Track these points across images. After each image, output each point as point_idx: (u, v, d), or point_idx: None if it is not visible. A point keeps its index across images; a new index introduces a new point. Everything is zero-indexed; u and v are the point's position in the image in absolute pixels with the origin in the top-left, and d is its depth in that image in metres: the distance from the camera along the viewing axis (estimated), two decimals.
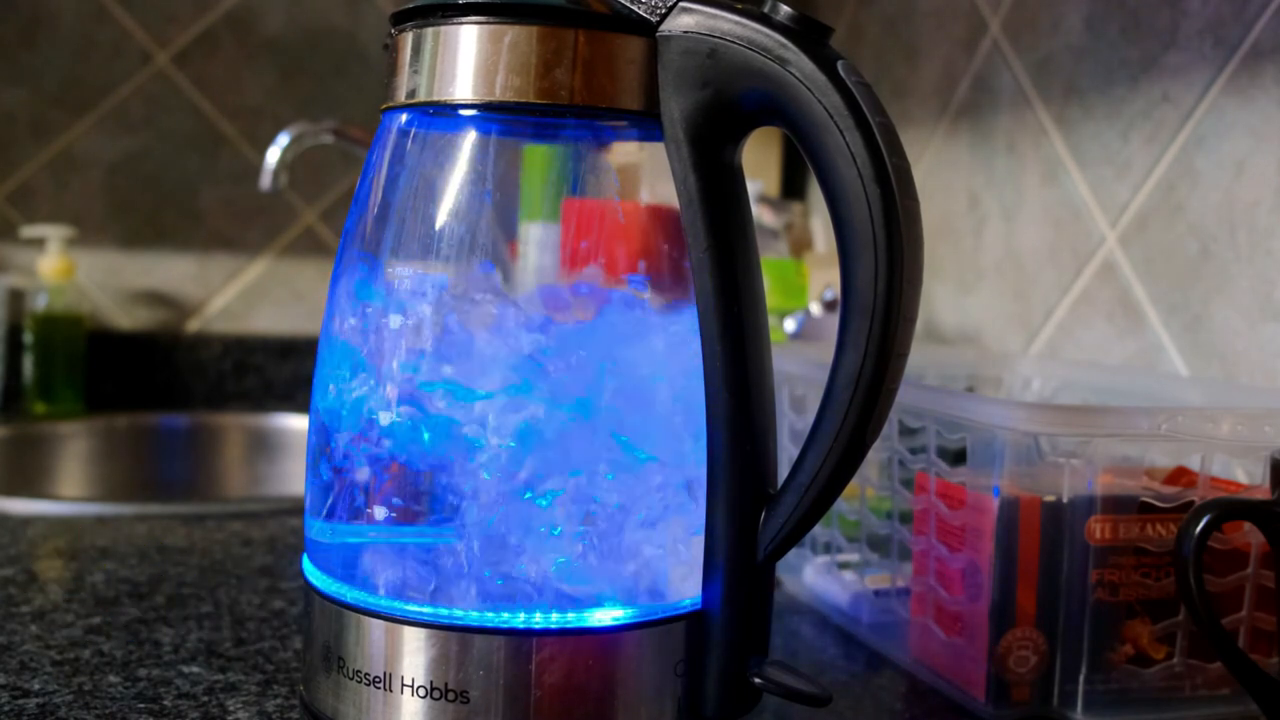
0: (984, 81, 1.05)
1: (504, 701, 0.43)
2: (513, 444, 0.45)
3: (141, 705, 0.52)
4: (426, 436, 0.45)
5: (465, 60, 0.44)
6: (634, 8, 0.44)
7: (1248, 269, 0.75)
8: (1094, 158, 0.90)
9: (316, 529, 0.49)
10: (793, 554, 0.73)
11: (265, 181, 1.18)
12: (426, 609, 0.44)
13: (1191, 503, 0.53)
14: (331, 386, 0.48)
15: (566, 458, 0.45)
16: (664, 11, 0.44)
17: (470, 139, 0.46)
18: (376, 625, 0.45)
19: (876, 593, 0.66)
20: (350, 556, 0.47)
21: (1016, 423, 0.53)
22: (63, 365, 1.29)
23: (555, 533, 0.45)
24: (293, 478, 1.30)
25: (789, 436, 0.73)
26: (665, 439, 0.47)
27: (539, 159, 0.48)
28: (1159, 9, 0.83)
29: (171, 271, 1.41)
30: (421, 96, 0.45)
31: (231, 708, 0.52)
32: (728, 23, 0.43)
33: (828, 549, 0.72)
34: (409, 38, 0.45)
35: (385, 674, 0.44)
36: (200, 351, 1.40)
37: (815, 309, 1.05)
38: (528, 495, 0.45)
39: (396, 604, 0.45)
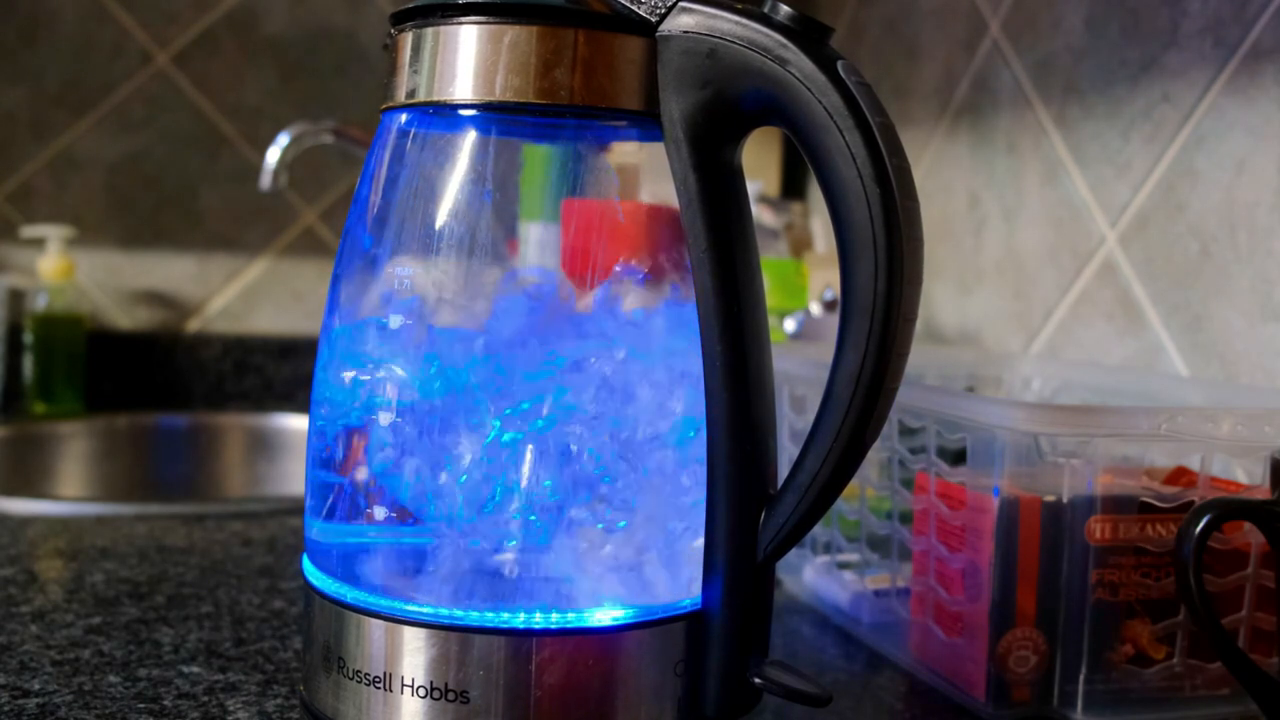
0: (984, 81, 1.05)
1: (504, 701, 0.43)
2: (515, 444, 0.45)
3: (141, 705, 0.52)
4: (427, 436, 0.45)
5: (465, 60, 0.44)
6: (634, 8, 0.44)
7: (1248, 269, 0.75)
8: (1094, 158, 0.90)
9: (316, 529, 0.49)
10: (793, 554, 0.73)
11: (265, 181, 1.18)
12: (426, 609, 0.44)
13: (1191, 503, 0.53)
14: (331, 386, 0.48)
15: (568, 457, 0.45)
16: (664, 11, 0.44)
17: (470, 139, 0.46)
18: (376, 625, 0.45)
19: (876, 593, 0.66)
20: (350, 556, 0.47)
21: (1016, 423, 0.53)
22: (63, 365, 1.29)
23: (556, 532, 0.45)
24: (293, 478, 1.30)
25: (789, 436, 0.73)
26: (668, 438, 0.47)
27: (539, 159, 0.48)
28: (1159, 9, 0.83)
29: (171, 271, 1.41)
30: (421, 96, 0.45)
31: (231, 708, 0.52)
32: (727, 23, 0.43)
33: (828, 549, 0.72)
34: (409, 38, 0.45)
35: (385, 674, 0.44)
36: (200, 351, 1.40)
37: (815, 309, 1.05)
38: (529, 495, 0.45)
39: (396, 604, 0.45)
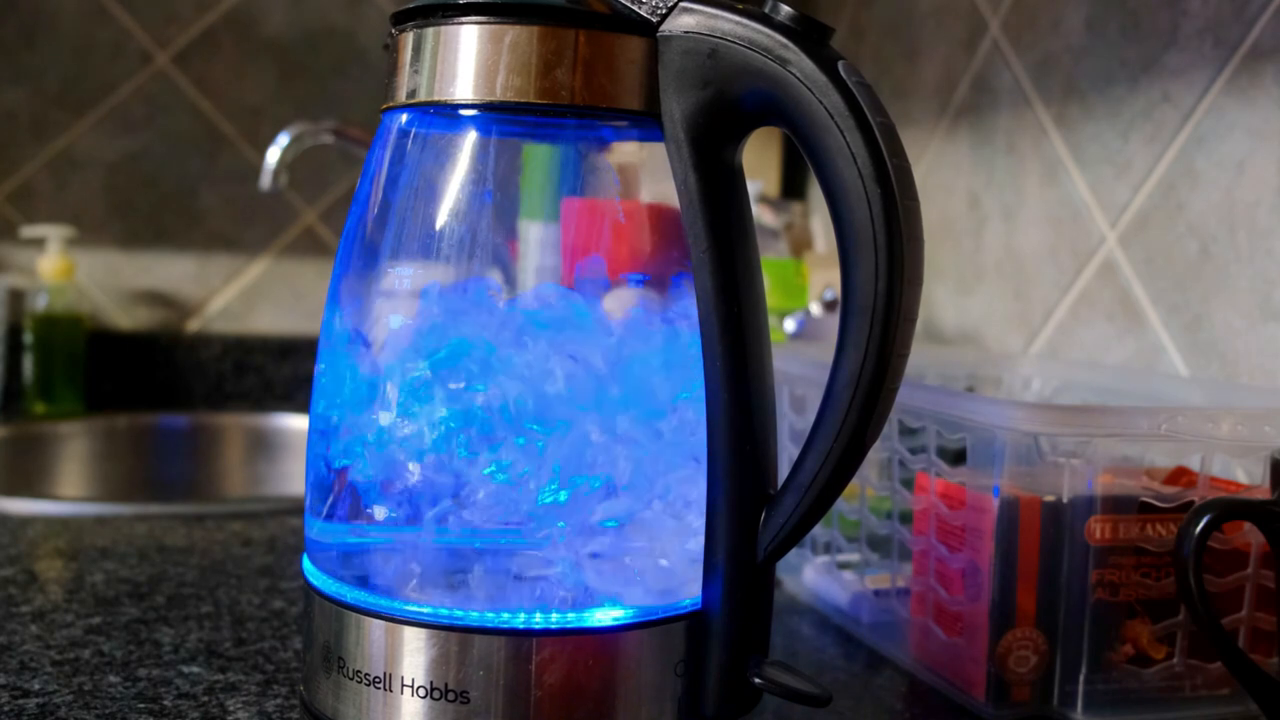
0: (984, 81, 1.05)
1: (504, 701, 0.43)
2: (515, 443, 0.45)
3: (141, 705, 0.52)
4: (427, 436, 0.45)
5: (466, 60, 0.44)
6: (634, 8, 0.44)
7: (1248, 269, 0.75)
8: (1094, 158, 0.90)
9: (316, 529, 0.49)
10: (793, 554, 0.73)
11: (265, 181, 1.18)
12: (426, 609, 0.44)
13: (1191, 503, 0.53)
14: (331, 386, 0.48)
15: (568, 456, 0.45)
16: (664, 11, 0.44)
17: (470, 139, 0.46)
18: (376, 625, 0.45)
19: (876, 593, 0.66)
20: (350, 556, 0.47)
21: (1016, 423, 0.53)
22: (63, 365, 1.29)
23: (557, 531, 0.45)
24: (293, 478, 1.30)
25: (789, 436, 0.73)
26: (670, 438, 0.47)
27: (539, 159, 0.48)
28: (1159, 9, 0.83)
29: (171, 271, 1.41)
30: (422, 96, 0.45)
31: (231, 708, 0.52)
32: (728, 23, 0.43)
33: (828, 549, 0.72)
34: (409, 38, 0.45)
35: (385, 674, 0.44)
36: (200, 351, 1.40)
37: (815, 309, 1.05)
38: (530, 495, 0.45)
39: (396, 604, 0.45)
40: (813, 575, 0.72)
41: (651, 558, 0.47)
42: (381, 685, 0.44)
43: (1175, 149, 0.81)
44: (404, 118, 0.47)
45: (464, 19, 0.44)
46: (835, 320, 0.48)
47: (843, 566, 0.71)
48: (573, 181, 0.48)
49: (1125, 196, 0.86)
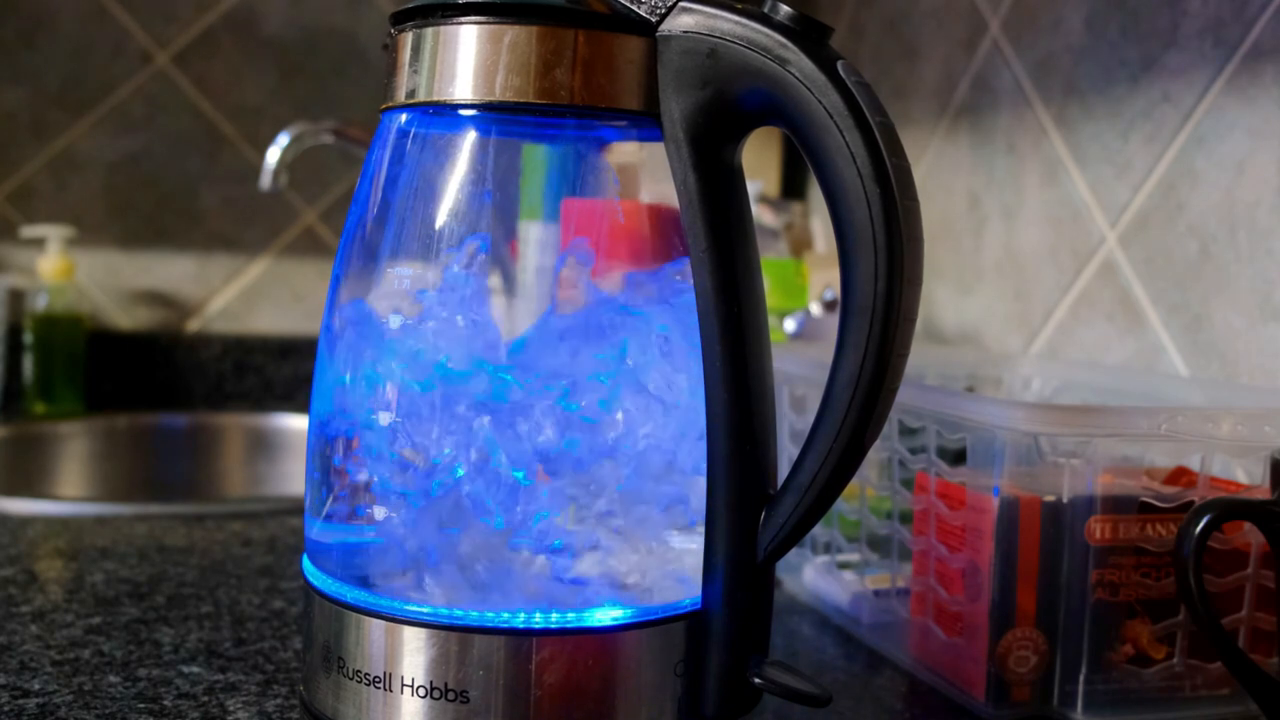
0: (984, 81, 1.05)
1: (504, 701, 0.43)
2: (514, 442, 0.45)
3: (141, 705, 0.52)
4: (427, 435, 0.45)
5: (465, 60, 0.44)
6: (634, 8, 0.44)
7: (1248, 269, 0.75)
8: (1094, 158, 0.90)
9: (316, 529, 0.49)
10: (793, 554, 0.73)
11: (265, 181, 1.18)
12: (426, 609, 0.44)
13: (1191, 503, 0.53)
14: (331, 386, 0.48)
15: (568, 455, 0.45)
16: (664, 11, 0.44)
17: (470, 139, 0.46)
18: (376, 625, 0.45)
19: (876, 593, 0.66)
20: (350, 556, 0.47)
21: (1016, 423, 0.53)
22: (63, 365, 1.29)
23: (558, 530, 0.45)
24: (293, 478, 1.30)
25: (789, 436, 0.73)
26: (670, 438, 0.47)
27: (539, 159, 0.48)
28: (1159, 9, 0.83)
29: (171, 271, 1.41)
30: (421, 96, 0.45)
31: (231, 708, 0.52)
32: (727, 22, 0.43)
33: (828, 549, 0.72)
34: (409, 38, 0.45)
35: (385, 674, 0.44)
36: (200, 351, 1.40)
37: (815, 309, 1.05)
38: (527, 495, 0.45)
39: (396, 604, 0.45)
40: (813, 575, 0.72)
41: (651, 557, 0.47)
42: (381, 685, 0.45)
43: (1175, 149, 0.81)
44: (403, 118, 0.47)
45: (463, 19, 0.44)
46: (835, 320, 0.48)
47: (843, 566, 0.71)
48: (572, 181, 0.48)
49: (1125, 196, 0.86)
